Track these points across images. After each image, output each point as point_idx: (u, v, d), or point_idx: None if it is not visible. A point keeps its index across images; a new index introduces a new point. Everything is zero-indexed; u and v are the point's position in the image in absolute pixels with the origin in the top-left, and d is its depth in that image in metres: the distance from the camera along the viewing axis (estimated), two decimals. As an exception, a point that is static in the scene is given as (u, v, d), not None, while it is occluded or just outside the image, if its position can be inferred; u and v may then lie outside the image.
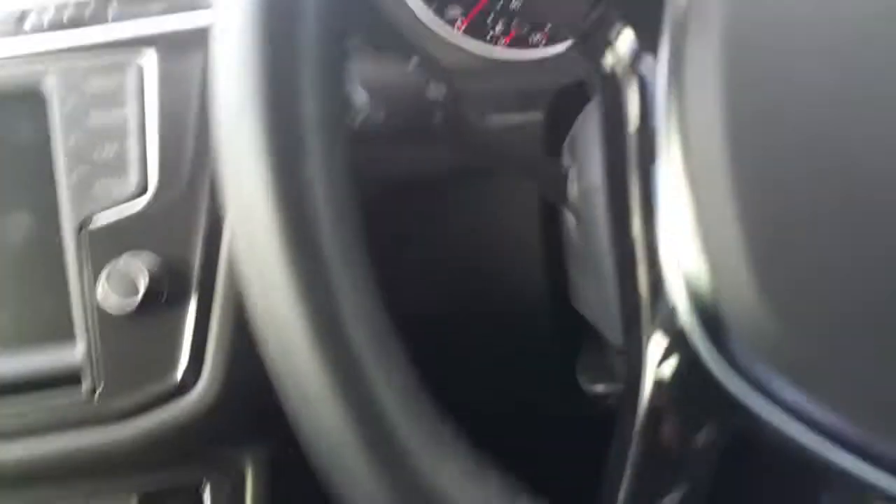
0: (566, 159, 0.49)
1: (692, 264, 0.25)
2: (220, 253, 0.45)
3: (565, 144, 0.50)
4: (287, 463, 0.53)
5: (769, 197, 0.25)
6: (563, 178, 0.46)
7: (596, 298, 0.46)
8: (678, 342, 0.26)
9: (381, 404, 0.26)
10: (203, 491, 0.52)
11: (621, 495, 0.28)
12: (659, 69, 0.27)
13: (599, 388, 0.54)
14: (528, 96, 0.51)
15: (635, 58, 0.30)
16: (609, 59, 0.31)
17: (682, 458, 0.28)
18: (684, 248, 0.25)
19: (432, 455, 0.26)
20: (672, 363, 0.26)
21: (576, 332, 0.58)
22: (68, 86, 0.45)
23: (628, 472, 0.28)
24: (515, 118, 0.50)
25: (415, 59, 0.39)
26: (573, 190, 0.46)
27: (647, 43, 0.29)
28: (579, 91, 0.49)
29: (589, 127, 0.46)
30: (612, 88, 0.31)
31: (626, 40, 0.31)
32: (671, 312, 0.26)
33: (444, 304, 0.55)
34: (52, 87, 0.45)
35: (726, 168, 0.25)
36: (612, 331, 0.46)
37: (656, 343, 0.27)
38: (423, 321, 0.48)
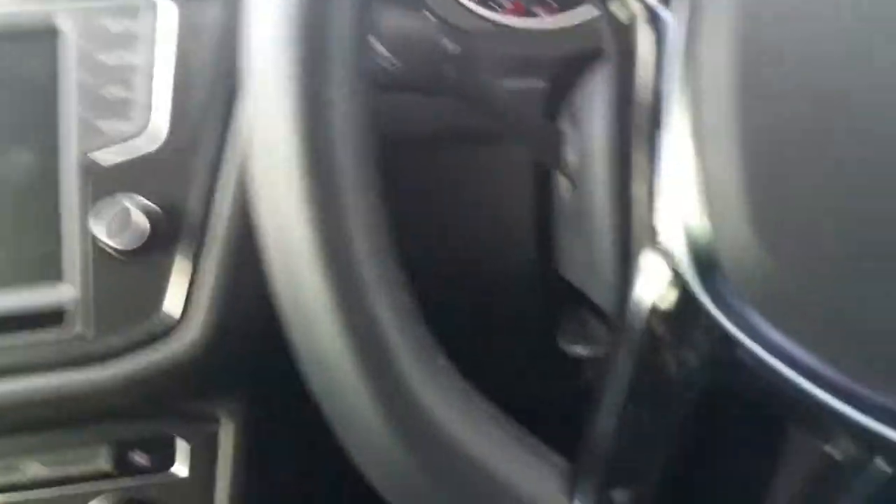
0: (564, 125, 0.50)
1: (691, 209, 0.26)
2: (220, 199, 0.44)
3: (564, 112, 0.51)
4: (262, 422, 0.53)
5: (770, 152, 0.26)
6: (560, 144, 0.47)
7: (585, 261, 0.47)
8: (673, 280, 0.27)
9: (383, 331, 0.27)
10: (175, 444, 0.51)
11: (610, 428, 0.29)
12: (672, 26, 0.28)
13: (580, 349, 0.55)
14: (532, 63, 0.51)
15: (652, 14, 0.30)
16: (625, 15, 0.32)
17: (672, 389, 0.28)
18: (684, 195, 0.26)
19: (430, 385, 0.28)
20: (666, 300, 0.27)
21: (558, 299, 0.59)
22: (82, 25, 0.44)
23: (618, 405, 0.29)
24: (519, 83, 0.51)
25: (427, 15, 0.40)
26: (571, 155, 0.47)
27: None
28: (581, 62, 0.50)
29: (592, 94, 0.47)
30: (625, 44, 0.32)
31: None
32: (667, 250, 0.27)
33: (429, 262, 0.55)
34: (65, 24, 0.45)
35: (731, 122, 0.26)
36: (599, 293, 0.47)
37: (650, 278, 0.28)
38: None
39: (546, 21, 0.53)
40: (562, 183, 0.51)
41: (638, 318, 0.28)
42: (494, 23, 0.52)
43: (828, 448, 0.27)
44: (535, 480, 0.29)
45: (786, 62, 0.26)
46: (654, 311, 0.27)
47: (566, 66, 0.51)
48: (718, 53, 0.26)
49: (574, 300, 0.60)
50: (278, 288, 0.29)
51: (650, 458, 0.29)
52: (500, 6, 0.54)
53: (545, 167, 0.53)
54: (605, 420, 0.29)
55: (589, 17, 0.52)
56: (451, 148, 0.53)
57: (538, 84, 0.51)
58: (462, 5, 0.52)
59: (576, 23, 0.53)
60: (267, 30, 0.28)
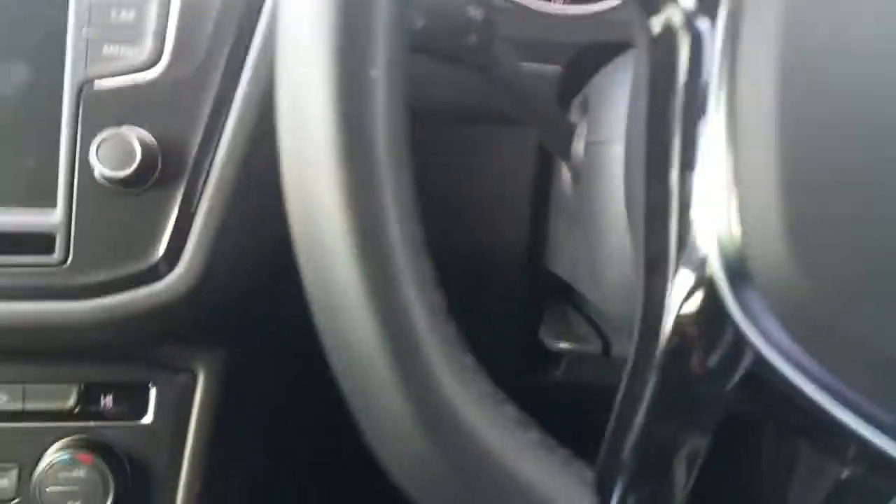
0: (574, 116, 0.49)
1: (726, 219, 0.26)
2: (221, 139, 0.44)
3: (575, 101, 0.50)
4: (238, 375, 0.52)
5: (810, 163, 0.25)
6: (569, 133, 0.47)
7: (584, 257, 0.47)
8: (703, 288, 0.26)
9: (412, 318, 0.27)
10: (149, 390, 0.50)
11: (632, 435, 0.29)
12: (716, 25, 0.28)
13: (563, 344, 0.55)
14: (547, 48, 0.51)
15: (694, 11, 0.30)
16: (666, 11, 0.32)
17: (696, 398, 0.28)
18: (719, 201, 0.26)
19: (457, 382, 0.27)
20: (694, 303, 0.27)
21: (543, 293, 0.59)
22: None
23: (641, 412, 0.28)
24: (534, 67, 0.50)
25: None
26: (578, 146, 0.47)
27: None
28: (596, 52, 0.50)
29: (605, 86, 0.47)
30: (664, 40, 0.31)
31: None
32: (699, 259, 0.27)
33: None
34: None
35: (771, 130, 0.25)
36: (597, 290, 0.47)
37: (680, 284, 0.27)
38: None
39: (563, 7, 0.53)
40: (563, 176, 0.51)
41: (664, 324, 0.27)
42: (514, 2, 0.52)
43: (843, 468, 0.27)
44: (556, 486, 0.28)
45: (829, 77, 0.25)
46: (681, 318, 0.27)
47: (580, 55, 0.51)
48: (759, 63, 0.26)
49: (559, 295, 0.60)
50: (305, 266, 0.28)
51: (674, 469, 0.29)
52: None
53: (549, 157, 0.53)
54: (629, 429, 0.29)
55: (605, 6, 0.52)
56: (453, 125, 0.52)
57: (552, 70, 0.51)
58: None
59: (593, 11, 0.52)
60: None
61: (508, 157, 0.54)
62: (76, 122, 0.42)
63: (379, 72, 0.27)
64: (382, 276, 0.26)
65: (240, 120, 0.43)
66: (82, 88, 0.42)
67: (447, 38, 0.39)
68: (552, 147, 0.50)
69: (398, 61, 0.27)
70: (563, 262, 0.53)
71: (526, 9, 0.52)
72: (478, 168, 0.55)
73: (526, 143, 0.53)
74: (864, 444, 0.25)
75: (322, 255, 0.27)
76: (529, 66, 0.51)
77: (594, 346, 0.54)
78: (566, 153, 0.47)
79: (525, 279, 0.57)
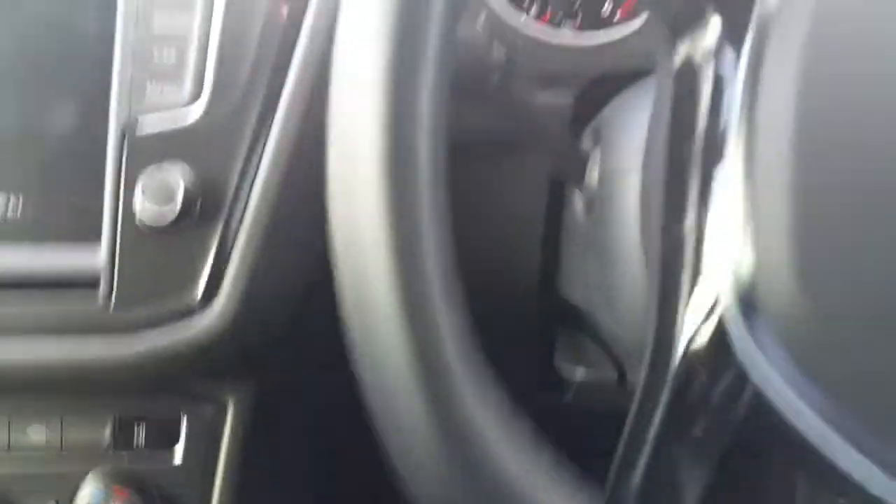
0: (587, 144, 0.51)
1: (739, 250, 0.27)
2: (256, 179, 0.45)
3: (588, 130, 0.52)
4: (268, 411, 0.53)
5: (826, 207, 0.26)
6: (582, 161, 0.48)
7: (598, 284, 0.48)
8: (714, 317, 0.28)
9: (447, 360, 0.27)
10: (180, 424, 0.51)
11: (642, 461, 0.30)
12: (739, 64, 0.29)
13: (579, 373, 0.56)
14: (560, 79, 0.52)
15: (718, 48, 0.31)
16: (688, 46, 0.33)
17: (704, 427, 0.29)
18: (733, 237, 0.27)
19: (483, 408, 0.28)
20: (705, 334, 0.28)
21: (556, 319, 0.60)
22: None
23: (650, 438, 0.29)
24: (547, 97, 0.52)
25: (483, 15, 0.41)
26: (592, 174, 0.48)
27: (733, 35, 0.31)
28: (608, 82, 0.51)
29: (619, 115, 0.49)
30: (686, 75, 0.32)
31: (713, 28, 0.32)
32: (713, 292, 0.28)
33: None
34: None
35: (788, 173, 0.26)
36: (611, 317, 0.48)
37: (693, 315, 0.28)
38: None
39: (576, 38, 0.54)
40: (576, 203, 0.53)
41: (675, 353, 0.28)
42: (527, 35, 0.54)
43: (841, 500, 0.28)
44: None
45: (847, 114, 0.26)
46: (692, 348, 0.28)
47: (593, 85, 0.53)
48: (779, 98, 0.27)
49: (573, 322, 0.61)
50: (344, 286, 0.29)
51: (682, 496, 0.30)
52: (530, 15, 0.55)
53: (562, 185, 0.54)
54: (638, 455, 0.30)
55: (618, 35, 0.54)
56: (470, 155, 0.54)
57: (565, 100, 0.53)
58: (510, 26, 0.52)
59: (605, 41, 0.54)
60: (363, 22, 0.28)
61: (521, 183, 0.55)
62: (120, 161, 0.43)
63: (426, 100, 0.28)
64: (416, 300, 0.27)
65: (274, 160, 0.45)
66: (126, 128, 0.44)
67: (472, 80, 0.41)
68: (564, 175, 0.51)
69: (445, 92, 0.29)
70: (577, 288, 0.54)
71: (539, 41, 0.53)
72: (490, 195, 0.56)
73: (538, 171, 0.55)
74: (864, 479, 0.25)
75: (360, 275, 0.28)
76: (542, 93, 0.52)
77: (609, 374, 0.55)
78: (579, 181, 0.48)
79: (539, 306, 0.58)
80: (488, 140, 0.52)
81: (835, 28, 0.27)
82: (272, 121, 0.45)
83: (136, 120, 0.44)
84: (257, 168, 0.45)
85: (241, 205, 0.45)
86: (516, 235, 0.56)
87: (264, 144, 0.45)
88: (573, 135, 0.52)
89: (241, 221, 0.45)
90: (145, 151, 0.43)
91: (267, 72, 0.45)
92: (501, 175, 0.55)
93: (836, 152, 0.26)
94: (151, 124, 0.44)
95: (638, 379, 0.32)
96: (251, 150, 0.45)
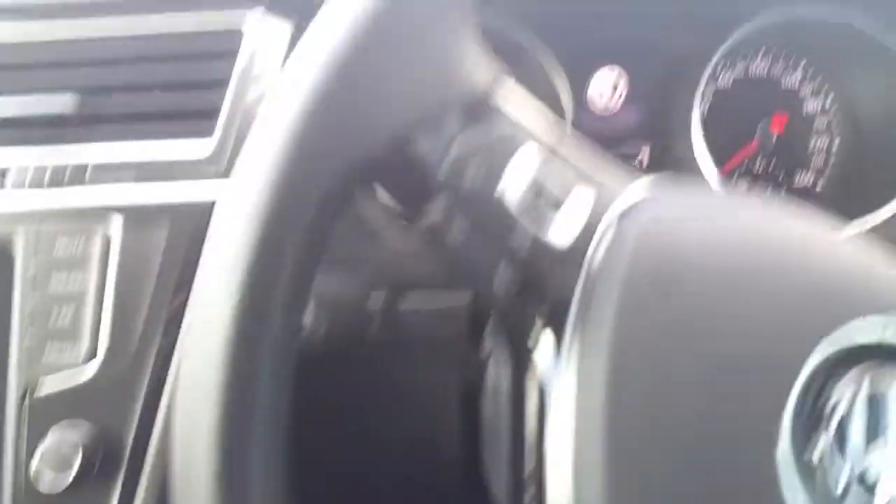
0: (488, 343, 0.51)
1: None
2: (154, 428, 0.45)
3: (488, 329, 0.52)
4: None
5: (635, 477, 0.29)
6: (481, 363, 0.47)
7: (497, 476, 0.48)
8: None
9: None
10: None
11: None
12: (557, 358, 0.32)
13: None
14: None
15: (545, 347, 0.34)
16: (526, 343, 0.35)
17: None
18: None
19: None
20: None
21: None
22: (35, 248, 0.46)
23: None
24: (443, 299, 0.51)
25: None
26: (490, 374, 0.48)
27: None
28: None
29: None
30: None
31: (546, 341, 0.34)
32: None
33: (359, 465, 0.56)
34: (19, 248, 0.47)
35: (603, 455, 0.29)
36: None
37: None
38: (337, 479, 0.49)
39: None
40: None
41: None
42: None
43: None
44: None
45: (652, 407, 0.29)
46: None
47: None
48: (593, 385, 0.30)
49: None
50: None
51: None
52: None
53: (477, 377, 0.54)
54: None
55: None
56: (385, 359, 0.54)
57: (463, 299, 0.51)
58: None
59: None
60: (216, 271, 0.30)
61: (433, 377, 0.54)
62: (19, 430, 0.44)
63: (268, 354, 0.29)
64: None
65: (170, 414, 0.44)
66: (25, 394, 0.45)
67: (351, 335, 0.41)
68: (465, 376, 0.51)
69: (288, 350, 0.30)
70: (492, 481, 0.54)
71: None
72: (406, 396, 0.55)
73: (450, 362, 0.54)
74: None
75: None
76: (439, 297, 0.51)
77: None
78: (479, 382, 0.47)
79: (464, 495, 0.58)
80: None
81: (636, 332, 0.31)
82: (166, 376, 0.45)
83: (35, 383, 0.45)
84: (152, 423, 0.45)
85: (140, 457, 0.45)
86: (434, 427, 0.56)
87: (159, 399, 0.45)
88: (474, 333, 0.51)
89: (140, 474, 0.45)
90: (43, 414, 0.44)
91: (161, 326, 0.46)
92: (412, 375, 0.54)
93: (641, 438, 0.29)
94: (49, 385, 0.45)
95: None
96: (146, 405, 0.45)
